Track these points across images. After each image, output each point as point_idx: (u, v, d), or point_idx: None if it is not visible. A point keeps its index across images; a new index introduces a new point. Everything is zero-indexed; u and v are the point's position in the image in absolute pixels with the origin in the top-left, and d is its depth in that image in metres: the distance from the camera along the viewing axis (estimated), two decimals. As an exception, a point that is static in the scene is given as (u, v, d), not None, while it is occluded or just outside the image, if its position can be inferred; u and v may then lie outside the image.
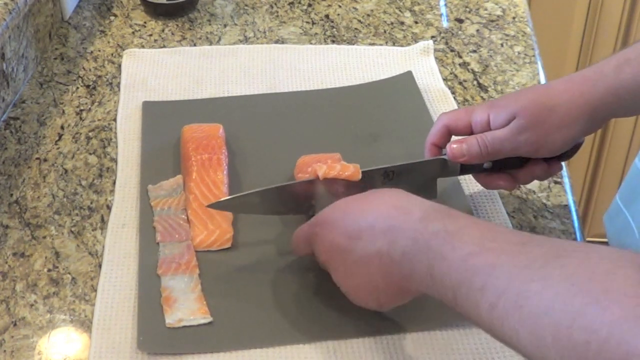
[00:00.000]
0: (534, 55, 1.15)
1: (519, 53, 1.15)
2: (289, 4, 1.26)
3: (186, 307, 0.77)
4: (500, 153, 0.82)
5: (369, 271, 0.70)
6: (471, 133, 0.83)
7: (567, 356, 0.52)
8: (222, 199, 0.83)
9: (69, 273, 0.83)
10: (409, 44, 1.16)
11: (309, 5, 1.26)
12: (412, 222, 0.67)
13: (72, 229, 0.88)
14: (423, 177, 0.85)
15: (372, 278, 0.70)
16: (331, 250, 0.74)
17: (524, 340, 0.56)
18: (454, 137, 0.85)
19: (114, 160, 0.96)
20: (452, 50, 1.16)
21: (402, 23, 1.22)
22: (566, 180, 0.94)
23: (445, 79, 1.10)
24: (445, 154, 0.84)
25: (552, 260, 0.56)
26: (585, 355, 0.51)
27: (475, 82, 1.10)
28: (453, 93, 1.07)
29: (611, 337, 0.50)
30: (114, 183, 0.93)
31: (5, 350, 0.75)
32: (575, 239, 0.86)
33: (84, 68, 1.12)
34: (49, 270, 0.83)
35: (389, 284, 0.69)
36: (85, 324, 0.78)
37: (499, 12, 1.24)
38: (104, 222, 0.88)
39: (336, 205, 0.75)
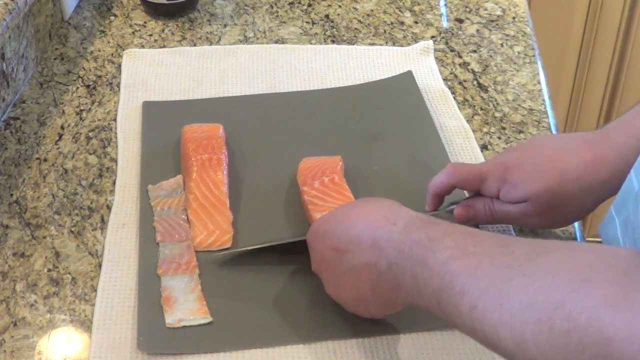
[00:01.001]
0: (534, 55, 1.15)
1: (519, 53, 1.15)
2: (289, 4, 1.26)
3: (186, 307, 0.77)
4: (506, 222, 0.83)
5: (358, 283, 0.71)
6: (479, 192, 0.82)
7: (547, 350, 0.52)
8: (235, 251, 0.83)
9: (69, 273, 0.83)
10: (409, 44, 1.16)
11: (309, 5, 1.26)
12: (396, 232, 0.67)
13: (72, 229, 0.88)
14: None
15: (361, 290, 0.71)
16: (321, 261, 0.75)
17: (504, 339, 0.56)
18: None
19: (114, 160, 0.96)
20: (452, 50, 1.16)
21: (402, 23, 1.22)
22: (566, 180, 0.94)
23: (445, 79, 1.10)
24: (449, 209, 0.84)
25: (534, 258, 0.57)
26: (567, 346, 0.51)
27: (475, 82, 1.10)
28: (453, 93, 1.07)
29: (591, 324, 0.50)
30: (114, 183, 0.93)
31: (5, 350, 0.75)
32: (575, 239, 0.86)
33: (84, 68, 1.12)
34: (49, 270, 0.83)
35: (378, 296, 0.70)
36: (85, 324, 0.78)
37: (499, 12, 1.24)
38: (104, 222, 0.88)
39: (325, 217, 0.76)
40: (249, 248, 0.83)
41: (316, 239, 0.75)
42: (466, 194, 0.86)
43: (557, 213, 0.79)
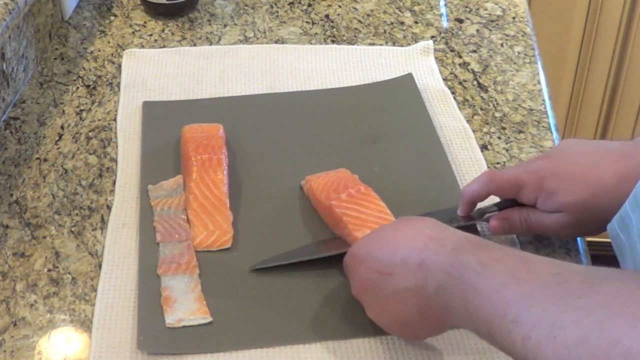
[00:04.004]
0: (534, 55, 1.15)
1: (519, 53, 1.15)
2: (289, 4, 1.26)
3: (186, 307, 0.77)
4: (541, 233, 0.83)
5: (404, 307, 0.69)
6: (514, 199, 0.82)
7: None
8: (265, 263, 0.82)
9: (69, 273, 0.83)
10: (409, 44, 1.16)
11: (309, 5, 1.26)
12: (445, 254, 0.66)
13: (72, 229, 0.88)
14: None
15: (407, 313, 0.69)
16: (363, 285, 0.73)
17: None
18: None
19: (114, 160, 0.96)
20: (452, 50, 1.16)
21: (402, 23, 1.22)
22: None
23: (445, 79, 1.10)
24: (484, 218, 0.83)
25: (588, 289, 0.55)
26: None
27: (475, 82, 1.10)
28: (453, 93, 1.07)
29: None
30: (114, 183, 0.93)
31: (5, 350, 0.75)
32: (575, 240, 0.86)
33: (84, 68, 1.12)
34: (49, 270, 0.83)
35: (426, 319, 0.68)
36: (85, 324, 0.78)
37: (499, 12, 1.24)
38: (104, 222, 0.88)
39: (366, 239, 0.74)
40: (282, 262, 0.82)
41: (357, 262, 0.73)
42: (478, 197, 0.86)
43: (591, 223, 0.79)
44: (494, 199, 0.84)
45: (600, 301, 0.54)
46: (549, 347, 0.55)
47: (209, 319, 0.77)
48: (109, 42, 1.17)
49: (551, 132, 1.02)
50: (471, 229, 0.85)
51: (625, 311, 0.52)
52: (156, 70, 1.11)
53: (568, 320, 0.54)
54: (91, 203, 0.91)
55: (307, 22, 1.22)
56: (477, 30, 1.20)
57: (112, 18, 1.23)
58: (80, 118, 1.03)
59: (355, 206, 0.83)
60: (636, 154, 0.78)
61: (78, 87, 1.09)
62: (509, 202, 0.82)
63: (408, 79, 1.07)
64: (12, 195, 0.92)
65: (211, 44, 1.17)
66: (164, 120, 1.01)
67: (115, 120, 1.03)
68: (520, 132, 1.01)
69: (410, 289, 0.67)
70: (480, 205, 0.84)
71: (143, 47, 1.16)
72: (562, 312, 0.55)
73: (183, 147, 0.94)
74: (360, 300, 0.74)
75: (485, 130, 1.01)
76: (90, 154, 0.98)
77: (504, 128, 1.02)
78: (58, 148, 0.99)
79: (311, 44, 1.17)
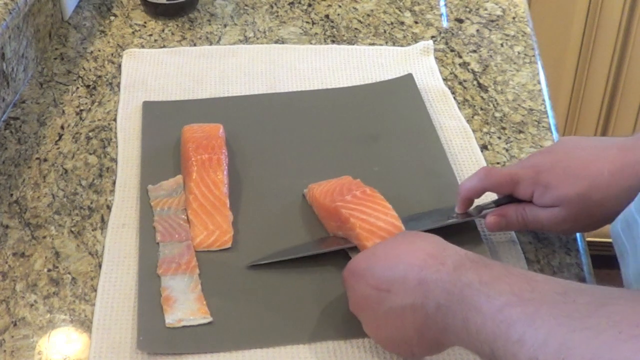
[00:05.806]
0: (534, 55, 1.15)
1: (519, 53, 1.15)
2: (289, 4, 1.26)
3: (186, 307, 0.77)
4: (538, 229, 0.83)
5: (401, 324, 0.67)
6: (511, 194, 0.81)
7: None
8: (262, 260, 0.83)
9: (69, 273, 0.83)
10: (409, 44, 1.16)
11: (309, 5, 1.26)
12: (445, 272, 0.64)
13: (72, 229, 0.88)
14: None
15: (405, 331, 0.68)
16: (360, 301, 0.72)
17: None
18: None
19: (114, 160, 0.97)
20: (452, 50, 1.16)
21: (402, 23, 1.22)
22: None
23: (445, 79, 1.10)
24: (482, 214, 0.83)
25: (597, 309, 0.54)
26: None
27: (475, 82, 1.10)
28: (453, 93, 1.07)
29: None
30: (114, 183, 0.93)
31: (5, 350, 0.75)
32: (575, 240, 0.86)
33: (84, 68, 1.12)
34: (49, 270, 0.83)
35: (423, 337, 0.67)
36: (85, 324, 0.78)
37: (499, 12, 1.24)
38: (104, 222, 0.88)
39: (365, 254, 0.73)
40: (281, 258, 0.82)
41: (355, 277, 0.72)
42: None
43: (587, 218, 0.78)
44: (492, 196, 0.84)
45: (610, 321, 0.52)
46: None
47: (209, 318, 0.77)
48: (109, 42, 1.17)
49: (551, 132, 1.02)
50: (470, 225, 0.85)
51: (635, 332, 0.50)
52: (156, 70, 1.11)
53: (577, 341, 0.53)
54: (91, 203, 0.91)
55: (307, 22, 1.22)
56: (477, 30, 1.20)
57: (112, 18, 1.23)
58: (80, 118, 1.04)
59: (361, 207, 0.82)
60: (634, 149, 0.77)
61: (78, 87, 1.09)
62: (507, 199, 0.82)
63: (408, 79, 1.07)
64: (12, 195, 0.92)
65: (211, 44, 1.17)
66: (164, 120, 1.01)
67: (115, 120, 1.03)
68: (520, 132, 1.01)
69: (409, 307, 0.66)
70: (478, 202, 0.84)
71: (143, 47, 1.16)
72: (570, 332, 0.53)
73: (183, 147, 0.94)
74: (357, 316, 0.73)
75: (485, 130, 1.01)
76: (90, 154, 0.98)
77: (504, 128, 1.02)
78: (58, 148, 0.99)
79: (311, 44, 1.17)
